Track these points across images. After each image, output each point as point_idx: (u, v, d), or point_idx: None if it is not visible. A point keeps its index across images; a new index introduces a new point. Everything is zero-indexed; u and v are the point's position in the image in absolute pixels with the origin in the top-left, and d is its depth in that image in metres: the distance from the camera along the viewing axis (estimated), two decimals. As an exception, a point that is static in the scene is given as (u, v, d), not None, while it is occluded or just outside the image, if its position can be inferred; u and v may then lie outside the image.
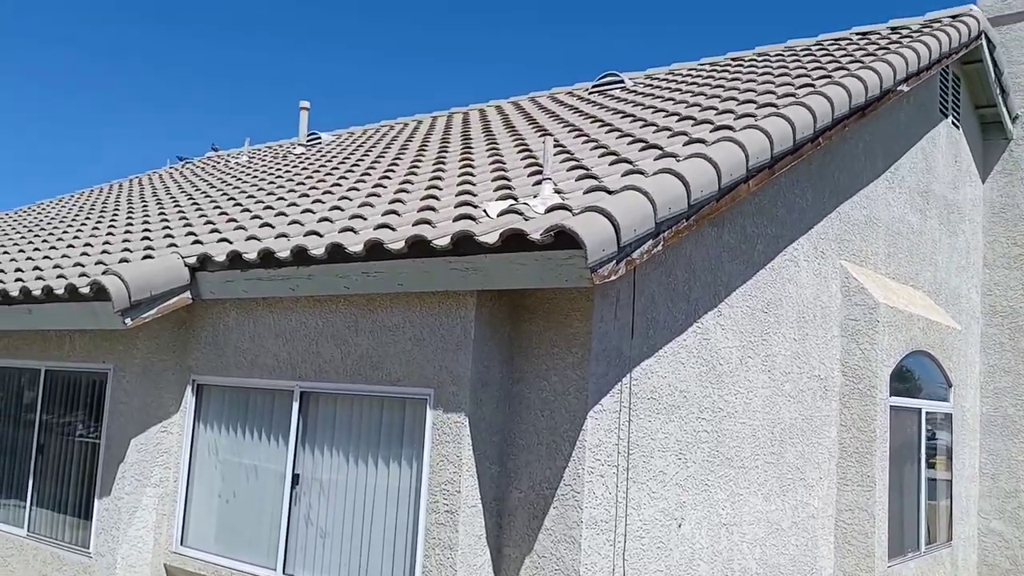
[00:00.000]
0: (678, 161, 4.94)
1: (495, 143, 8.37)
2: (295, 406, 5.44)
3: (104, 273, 5.66)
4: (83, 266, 6.60)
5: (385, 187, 7.13)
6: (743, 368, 5.77)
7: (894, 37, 8.64)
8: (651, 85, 10.03)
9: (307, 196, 7.73)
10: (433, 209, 5.46)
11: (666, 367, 5.04)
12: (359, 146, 11.45)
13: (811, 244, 6.65)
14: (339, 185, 7.98)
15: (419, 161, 8.43)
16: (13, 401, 7.33)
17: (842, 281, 7.05)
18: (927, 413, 7.88)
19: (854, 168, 7.39)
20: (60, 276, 6.30)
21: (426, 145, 9.72)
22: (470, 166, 7.16)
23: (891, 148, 8.08)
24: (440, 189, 6.29)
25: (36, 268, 7.10)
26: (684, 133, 5.91)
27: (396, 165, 8.52)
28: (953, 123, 9.50)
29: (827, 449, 6.77)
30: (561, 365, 4.59)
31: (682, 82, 9.54)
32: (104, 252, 7.11)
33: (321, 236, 5.47)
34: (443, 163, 7.81)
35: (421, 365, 4.81)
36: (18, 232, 10.86)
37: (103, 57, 40.31)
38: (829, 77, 6.95)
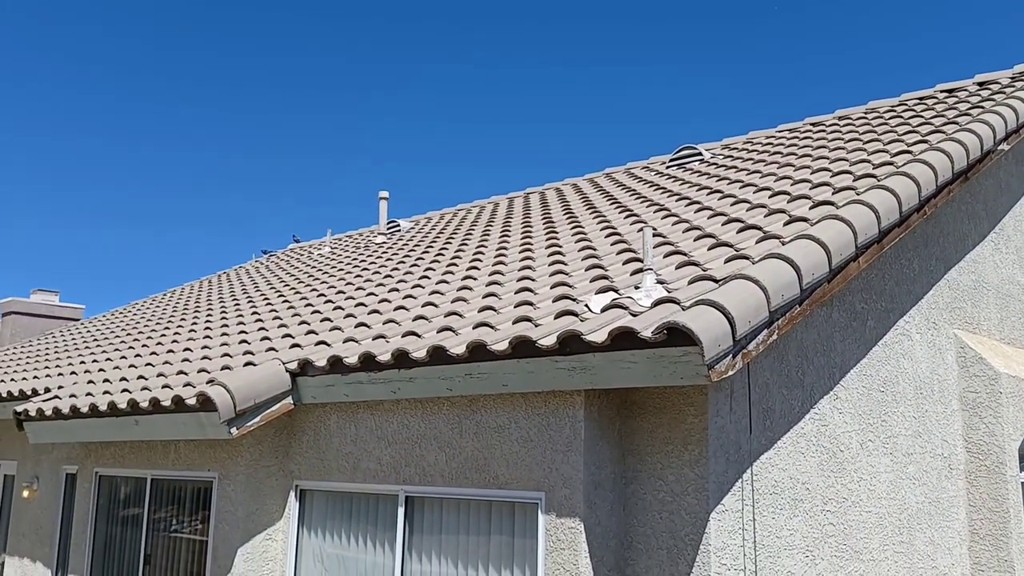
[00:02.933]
0: (783, 243, 4.79)
1: (579, 225, 8.33)
2: (401, 511, 5.34)
3: (209, 383, 5.73)
4: (186, 374, 6.72)
5: (475, 279, 7.12)
6: (864, 452, 5.47)
7: (984, 94, 8.38)
8: (730, 156, 9.92)
9: (397, 290, 7.78)
10: (531, 304, 5.39)
11: (786, 459, 4.80)
12: (440, 232, 11.57)
13: (922, 315, 6.36)
14: (427, 277, 8.02)
15: (504, 247, 8.44)
16: (120, 510, 7.43)
17: (957, 351, 6.70)
18: (1061, 487, 7.34)
19: (958, 232, 7.10)
20: (165, 386, 6.41)
21: (508, 229, 9.75)
22: (559, 252, 7.11)
23: (993, 208, 7.76)
24: (533, 280, 6.23)
25: (140, 377, 7.26)
26: (782, 211, 5.76)
27: (481, 252, 8.54)
28: (1055, 175, 9.09)
29: (957, 533, 6.33)
30: (677, 463, 4.41)
31: (763, 151, 9.40)
32: (204, 358, 7.24)
33: (420, 336, 5.45)
34: (530, 249, 7.78)
35: (530, 467, 4.67)
36: (118, 336, 11.21)
37: (176, 148, 42.28)
38: (925, 141, 6.74)
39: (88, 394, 7.39)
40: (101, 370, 8.57)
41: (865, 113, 9.61)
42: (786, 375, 4.90)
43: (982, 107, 7.64)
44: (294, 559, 5.99)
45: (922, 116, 8.08)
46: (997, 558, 6.31)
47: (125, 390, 6.88)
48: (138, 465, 7.18)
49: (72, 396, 7.54)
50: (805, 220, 5.23)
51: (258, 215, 43.30)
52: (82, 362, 9.64)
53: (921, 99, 9.25)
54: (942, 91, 9.21)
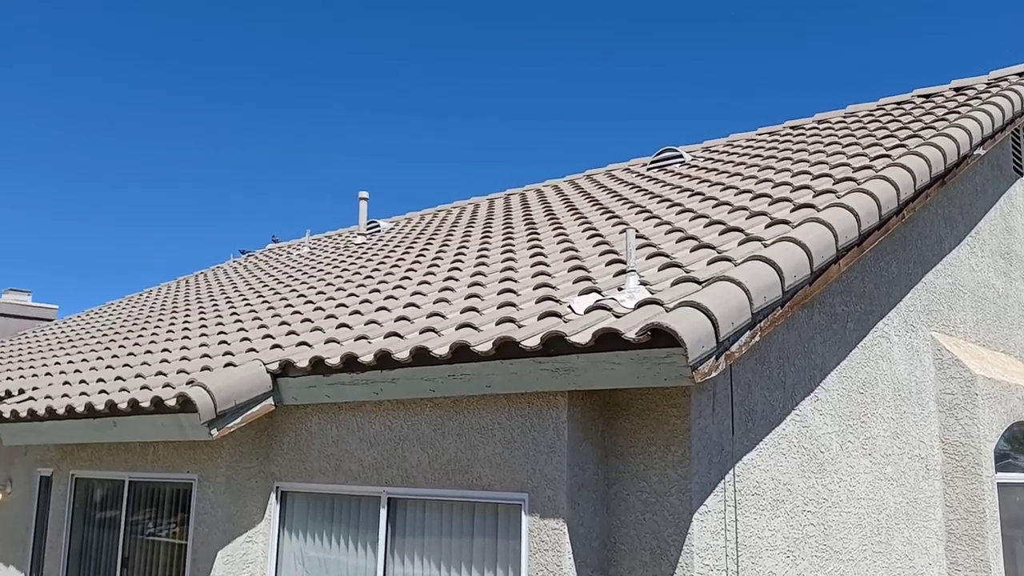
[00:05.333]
0: (765, 246, 4.82)
1: (561, 226, 8.34)
2: (383, 512, 5.32)
3: (189, 384, 5.67)
4: (165, 375, 6.65)
5: (457, 280, 7.11)
6: (844, 454, 5.51)
7: (960, 99, 8.49)
8: (711, 159, 9.98)
9: (378, 291, 7.75)
10: (514, 305, 5.39)
11: (767, 460, 4.83)
12: (420, 233, 11.54)
13: (900, 318, 6.43)
14: (408, 278, 7.99)
15: (485, 248, 8.43)
16: (97, 512, 7.34)
17: (934, 354, 6.78)
18: (1034, 487, 7.45)
19: (935, 236, 7.18)
20: (144, 387, 6.34)
21: (489, 230, 9.74)
22: (541, 253, 7.12)
23: (969, 212, 7.86)
24: (515, 281, 6.23)
25: (118, 378, 7.17)
26: (763, 213, 5.80)
27: (463, 254, 8.53)
28: (1029, 180, 9.24)
29: (934, 532, 6.40)
30: (660, 464, 4.42)
31: (744, 154, 9.46)
32: (184, 359, 7.17)
33: (402, 337, 5.43)
34: (511, 250, 7.78)
35: (513, 469, 4.67)
36: (93, 337, 11.08)
37: (155, 146, 41.88)
38: (903, 146, 6.81)
39: (64, 395, 7.29)
40: (77, 371, 8.47)
41: (844, 117, 9.71)
42: (768, 377, 4.93)
43: (959, 112, 7.73)
44: (275, 562, 5.95)
45: (900, 121, 8.17)
46: (973, 558, 6.38)
47: (103, 391, 6.80)
48: (115, 467, 7.09)
49: (48, 397, 7.44)
50: (786, 223, 5.27)
51: (234, 213, 42.99)
52: (57, 363, 9.52)
53: (899, 104, 9.35)
54: (919, 96, 9.32)
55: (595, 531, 4.52)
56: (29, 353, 11.43)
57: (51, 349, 11.21)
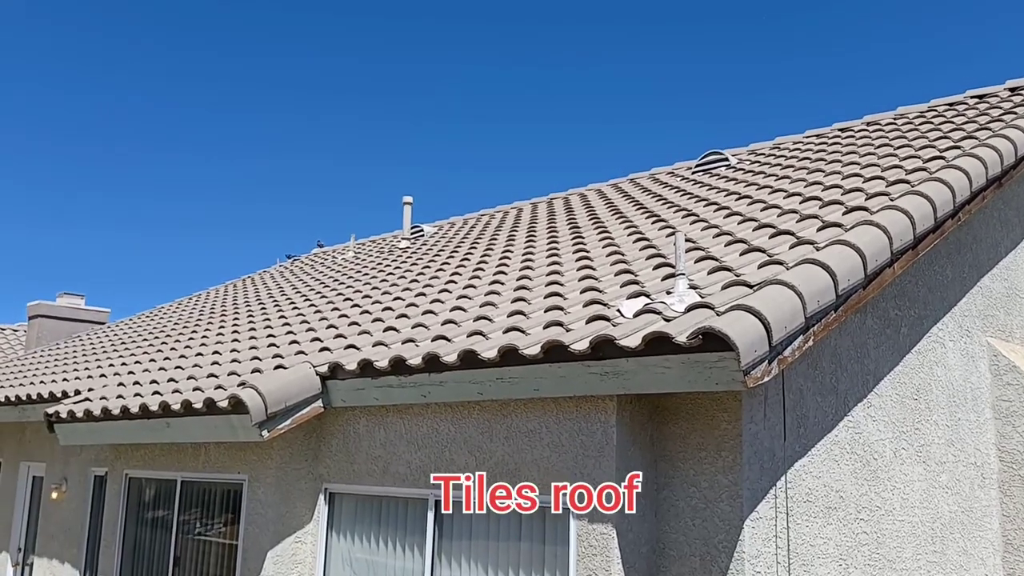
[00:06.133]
0: (818, 249, 4.76)
1: (606, 230, 8.32)
2: (430, 515, 5.34)
3: (240, 386, 5.76)
4: (216, 377, 6.76)
5: (503, 283, 7.12)
6: (897, 461, 5.41)
7: (1016, 99, 8.30)
8: (757, 162, 9.87)
9: (424, 295, 7.79)
10: (561, 308, 5.38)
11: (820, 466, 4.76)
12: (464, 238, 11.59)
13: (955, 323, 6.29)
14: (454, 282, 8.03)
15: (530, 252, 8.43)
16: (149, 511, 7.48)
17: (990, 359, 6.62)
18: (1095, 497, 7.23)
19: (991, 239, 7.02)
20: (196, 389, 6.45)
21: (533, 234, 9.75)
22: (586, 257, 7.10)
23: (1027, 214, 7.67)
24: (562, 285, 6.23)
25: (171, 380, 7.31)
26: (815, 216, 5.73)
27: (507, 257, 8.55)
28: (1088, 182, 8.98)
29: (990, 543, 6.25)
30: (711, 470, 4.38)
31: (791, 157, 9.35)
32: (234, 361, 7.28)
33: (450, 341, 5.45)
34: (557, 254, 7.78)
35: (560, 472, 4.66)
36: (145, 340, 11.30)
37: (199, 152, 42.65)
38: (957, 147, 6.68)
39: (119, 396, 7.45)
40: (131, 373, 8.65)
41: (894, 119, 9.54)
42: (820, 382, 4.86)
43: (1015, 112, 7.56)
44: (323, 562, 6.01)
45: (953, 122, 8.01)
46: (1032, 569, 6.22)
47: (156, 392, 6.94)
48: (168, 467, 7.23)
49: (103, 398, 7.61)
50: (839, 226, 5.19)
51: (280, 219, 43.56)
52: (111, 365, 9.73)
53: (951, 105, 9.17)
54: (972, 97, 9.13)
55: (644, 536, 4.49)
56: (83, 355, 11.71)
57: (104, 351, 11.46)
